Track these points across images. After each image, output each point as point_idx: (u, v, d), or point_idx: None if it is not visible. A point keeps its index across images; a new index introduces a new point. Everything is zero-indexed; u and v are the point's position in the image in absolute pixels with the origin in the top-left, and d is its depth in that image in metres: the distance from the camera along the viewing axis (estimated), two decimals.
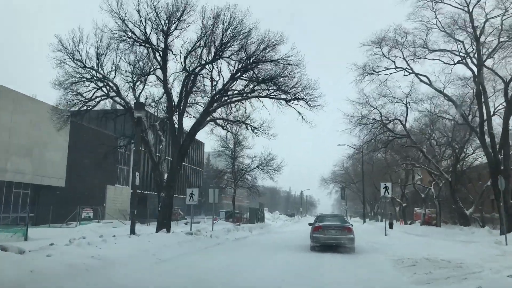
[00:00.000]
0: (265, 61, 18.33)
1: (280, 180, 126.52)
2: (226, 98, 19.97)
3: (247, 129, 23.71)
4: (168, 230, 17.80)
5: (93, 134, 33.24)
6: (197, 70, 18.74)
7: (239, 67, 18.68)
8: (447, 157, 33.87)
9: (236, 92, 19.82)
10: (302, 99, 19.93)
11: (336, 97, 38.09)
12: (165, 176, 19.58)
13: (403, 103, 28.03)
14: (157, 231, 18.00)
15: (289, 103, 20.35)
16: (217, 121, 22.55)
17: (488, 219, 31.94)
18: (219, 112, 23.16)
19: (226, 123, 23.28)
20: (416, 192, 43.21)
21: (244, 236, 22.29)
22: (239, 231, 23.92)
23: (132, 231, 14.37)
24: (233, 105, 22.24)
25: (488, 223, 30.45)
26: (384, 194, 21.59)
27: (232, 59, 18.65)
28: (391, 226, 27.65)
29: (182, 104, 18.76)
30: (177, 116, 19.19)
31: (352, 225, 15.30)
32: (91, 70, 19.73)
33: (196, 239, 16.92)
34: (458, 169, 30.57)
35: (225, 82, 18.97)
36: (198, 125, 19.24)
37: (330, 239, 14.22)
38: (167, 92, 18.43)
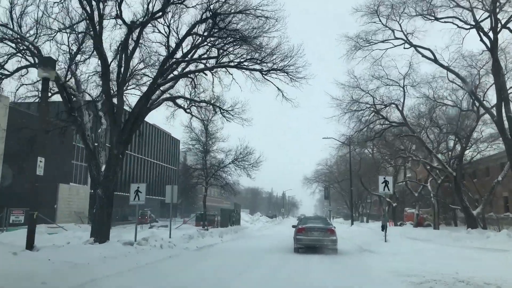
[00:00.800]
0: (232, 12, 13.90)
1: (262, 181, 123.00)
2: (184, 65, 15.45)
3: (215, 111, 19.41)
4: (101, 239, 13.12)
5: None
6: (141, 24, 13.94)
7: (197, 19, 14.13)
8: (444, 149, 30.20)
9: (196, 58, 15.32)
10: (282, 70, 15.80)
11: (324, 78, 33.75)
12: (103, 168, 14.96)
13: (399, 85, 24.15)
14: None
15: (265, 76, 16.18)
16: (177, 100, 18.08)
17: (490, 219, 28.71)
18: (182, 92, 18.78)
19: (190, 104, 18.84)
20: (406, 191, 39.80)
21: (210, 244, 17.82)
22: (206, 237, 19.41)
23: (29, 244, 9.65)
24: (197, 81, 17.85)
25: (491, 224, 27.20)
26: (384, 190, 17.57)
27: (187, 6, 14.09)
28: (384, 228, 24.14)
29: (122, 72, 14.08)
30: (117, 91, 14.57)
31: (335, 227, 15.21)
32: (6, 30, 14.96)
33: (137, 252, 12.42)
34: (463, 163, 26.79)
35: (180, 38, 14.31)
36: (147, 99, 14.64)
37: (313, 241, 14.40)
38: (97, 48, 13.44)
